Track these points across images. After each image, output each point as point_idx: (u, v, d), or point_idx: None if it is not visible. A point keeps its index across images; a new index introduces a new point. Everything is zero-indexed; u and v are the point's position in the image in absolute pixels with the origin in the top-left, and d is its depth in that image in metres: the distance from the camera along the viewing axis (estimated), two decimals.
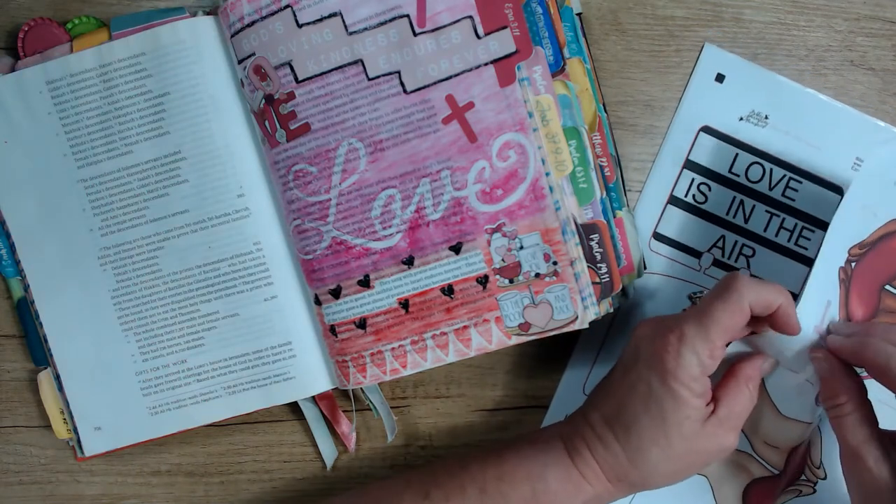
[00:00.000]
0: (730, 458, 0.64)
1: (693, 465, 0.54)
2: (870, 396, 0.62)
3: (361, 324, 0.59)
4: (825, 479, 0.63)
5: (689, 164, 0.64)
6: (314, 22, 0.56)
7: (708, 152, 0.64)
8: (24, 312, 0.64)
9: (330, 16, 0.55)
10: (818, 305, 0.60)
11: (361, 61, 0.56)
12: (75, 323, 0.63)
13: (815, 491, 0.64)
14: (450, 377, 0.66)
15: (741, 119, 0.63)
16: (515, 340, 0.57)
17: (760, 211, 0.63)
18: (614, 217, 0.60)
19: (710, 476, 0.65)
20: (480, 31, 0.54)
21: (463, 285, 0.57)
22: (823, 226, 0.63)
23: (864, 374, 0.56)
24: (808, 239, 0.63)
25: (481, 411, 0.67)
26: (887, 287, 0.63)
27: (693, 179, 0.64)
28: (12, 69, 0.62)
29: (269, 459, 0.67)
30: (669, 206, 0.64)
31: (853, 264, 0.62)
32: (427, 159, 0.56)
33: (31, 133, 0.62)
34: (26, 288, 0.63)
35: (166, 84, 0.60)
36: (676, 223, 0.64)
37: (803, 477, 0.64)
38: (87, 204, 0.62)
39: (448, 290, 0.57)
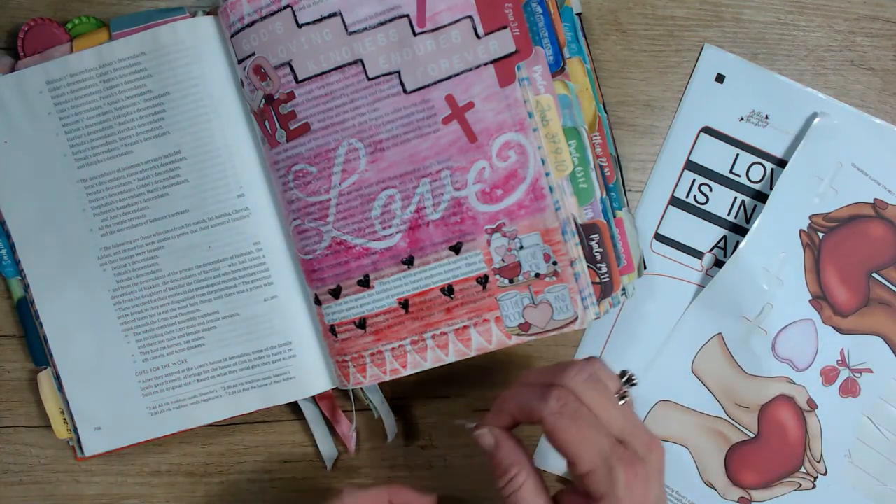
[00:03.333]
0: (706, 425, 0.65)
1: None
2: (875, 395, 0.63)
3: (361, 324, 0.59)
4: (825, 474, 0.64)
5: (690, 165, 0.64)
6: (314, 22, 0.56)
7: (708, 153, 0.64)
8: (24, 312, 0.64)
9: (330, 16, 0.55)
10: (770, 251, 0.63)
11: (361, 61, 0.56)
12: (75, 323, 0.63)
13: (814, 486, 0.64)
14: (450, 377, 0.66)
15: (741, 119, 0.63)
16: (515, 340, 0.57)
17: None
18: (614, 217, 0.60)
19: (690, 447, 0.65)
20: (480, 30, 0.54)
21: (463, 285, 0.57)
22: None
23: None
24: None
25: (481, 411, 0.66)
26: (875, 275, 0.63)
27: (694, 180, 0.64)
28: (12, 69, 0.62)
29: (269, 459, 0.67)
30: (671, 206, 0.64)
31: (820, 234, 0.63)
32: (427, 159, 0.56)
33: (31, 133, 0.62)
34: (26, 288, 0.63)
35: (166, 84, 0.60)
36: (678, 224, 0.64)
37: (803, 469, 0.64)
38: (87, 204, 0.62)
39: (448, 290, 0.57)
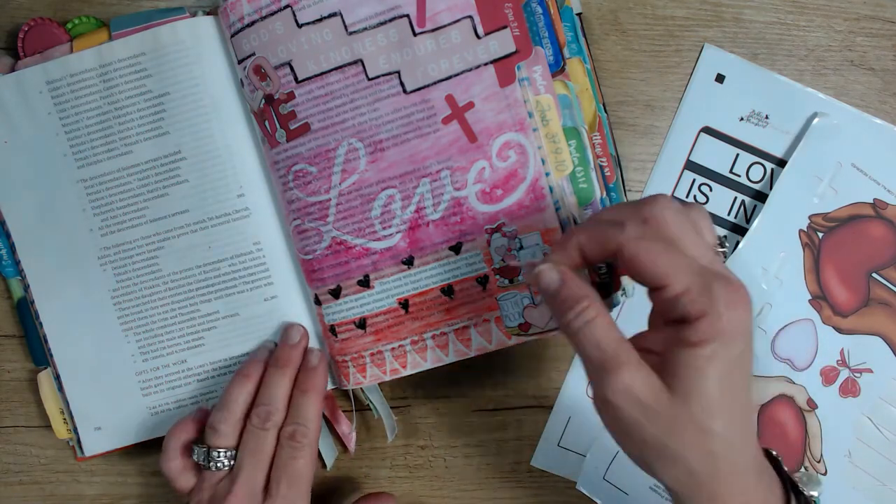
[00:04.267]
0: None
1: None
2: (875, 395, 0.63)
3: (361, 324, 0.59)
4: (825, 474, 0.64)
5: (690, 165, 0.64)
6: (314, 22, 0.56)
7: (708, 153, 0.64)
8: (24, 312, 0.64)
9: (330, 16, 0.55)
10: (769, 251, 0.63)
11: (361, 61, 0.56)
12: (75, 323, 0.63)
13: None
14: (450, 377, 0.66)
15: (741, 119, 0.63)
16: (515, 340, 0.57)
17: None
18: None
19: None
20: (480, 30, 0.54)
21: (463, 285, 0.57)
22: None
23: None
24: None
25: (481, 411, 0.66)
26: (874, 275, 0.63)
27: (694, 180, 0.64)
28: (12, 69, 0.62)
29: None
30: None
31: (819, 234, 0.63)
32: (427, 159, 0.56)
33: (31, 133, 0.62)
34: (26, 288, 0.63)
35: (166, 84, 0.60)
36: None
37: (803, 469, 0.64)
38: (87, 204, 0.62)
39: (448, 291, 0.57)
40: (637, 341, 0.46)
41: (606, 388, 0.43)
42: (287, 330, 0.60)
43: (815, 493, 0.48)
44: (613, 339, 0.44)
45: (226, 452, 0.56)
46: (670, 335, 0.44)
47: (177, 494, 0.58)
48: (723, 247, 0.47)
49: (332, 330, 0.59)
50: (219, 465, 0.56)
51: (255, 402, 0.57)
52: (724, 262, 0.46)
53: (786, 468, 0.49)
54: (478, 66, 0.54)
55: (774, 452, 0.49)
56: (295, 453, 0.56)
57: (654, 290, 0.44)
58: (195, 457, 0.57)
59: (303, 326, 0.61)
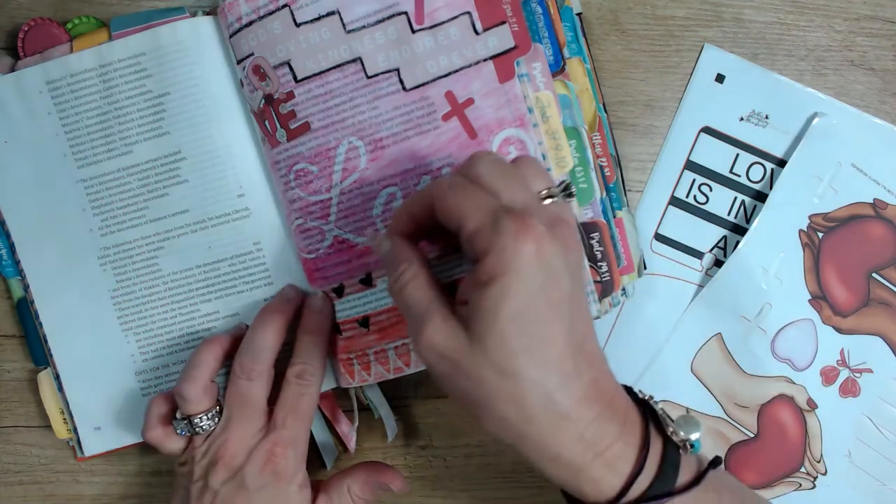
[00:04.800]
0: (705, 425, 0.64)
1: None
2: (875, 395, 0.63)
3: (364, 322, 0.58)
4: (825, 474, 0.63)
5: (690, 165, 0.64)
6: (312, 21, 0.56)
7: (708, 153, 0.64)
8: (24, 312, 0.64)
9: (328, 14, 0.55)
10: (769, 251, 0.63)
11: (360, 59, 0.56)
12: (75, 323, 0.63)
13: (814, 486, 0.64)
14: None
15: (741, 119, 0.64)
16: None
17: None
18: (614, 217, 0.60)
19: None
20: (479, 27, 0.54)
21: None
22: None
23: None
24: None
25: None
26: (874, 275, 0.63)
27: (694, 180, 0.64)
28: (12, 69, 0.62)
29: None
30: (671, 206, 0.64)
31: (819, 234, 0.63)
32: (427, 156, 0.56)
33: (31, 133, 0.62)
34: (26, 288, 0.63)
35: (166, 84, 0.60)
36: (678, 224, 0.64)
37: (803, 469, 0.64)
38: (87, 204, 0.62)
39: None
40: (459, 294, 0.46)
41: (416, 346, 0.44)
42: (283, 287, 0.61)
43: (693, 437, 0.46)
44: (425, 297, 0.44)
45: (207, 414, 0.56)
46: (470, 280, 0.43)
47: (169, 458, 0.58)
48: (567, 191, 0.46)
49: (336, 328, 0.59)
50: (204, 427, 0.56)
51: (238, 352, 0.57)
52: (562, 206, 0.46)
53: (661, 411, 0.47)
54: (477, 63, 0.54)
55: (638, 390, 0.48)
56: (302, 390, 0.56)
57: (459, 235, 0.43)
58: (179, 431, 0.57)
59: (302, 290, 0.61)
